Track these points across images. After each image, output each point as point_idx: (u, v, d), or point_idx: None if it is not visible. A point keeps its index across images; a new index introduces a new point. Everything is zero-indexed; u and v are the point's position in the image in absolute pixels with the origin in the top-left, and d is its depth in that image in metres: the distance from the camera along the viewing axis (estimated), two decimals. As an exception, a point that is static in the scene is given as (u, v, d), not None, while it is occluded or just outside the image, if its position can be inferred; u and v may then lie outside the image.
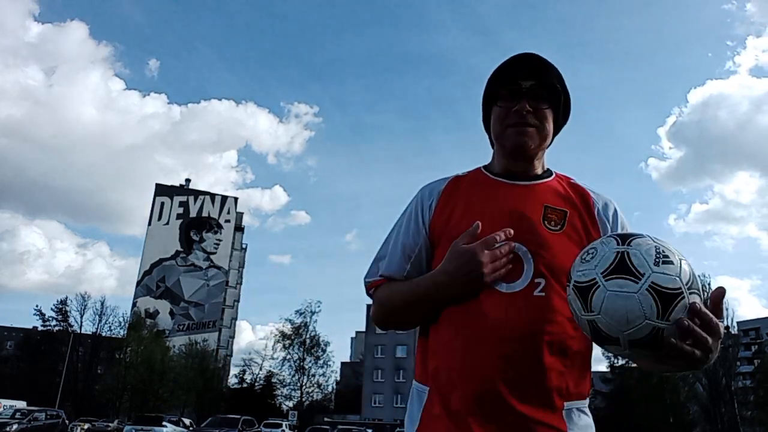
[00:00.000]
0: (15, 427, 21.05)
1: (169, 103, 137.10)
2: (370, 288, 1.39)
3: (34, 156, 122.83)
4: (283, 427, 31.22)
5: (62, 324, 53.69)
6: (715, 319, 0.98)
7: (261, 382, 56.60)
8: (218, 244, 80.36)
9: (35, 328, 60.38)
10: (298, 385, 54.90)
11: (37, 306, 66.66)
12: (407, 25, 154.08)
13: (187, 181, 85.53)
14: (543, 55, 1.33)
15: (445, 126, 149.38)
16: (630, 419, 41.77)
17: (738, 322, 50.28)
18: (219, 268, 78.99)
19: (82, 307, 53.54)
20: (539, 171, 1.35)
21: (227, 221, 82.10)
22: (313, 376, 55.58)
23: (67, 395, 47.17)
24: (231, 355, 75.82)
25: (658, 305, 0.94)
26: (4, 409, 25.40)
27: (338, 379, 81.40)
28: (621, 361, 45.68)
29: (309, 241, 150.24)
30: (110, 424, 38.90)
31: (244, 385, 56.76)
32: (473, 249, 1.18)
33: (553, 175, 1.37)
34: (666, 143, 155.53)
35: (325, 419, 54.36)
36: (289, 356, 54.70)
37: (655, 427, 39.82)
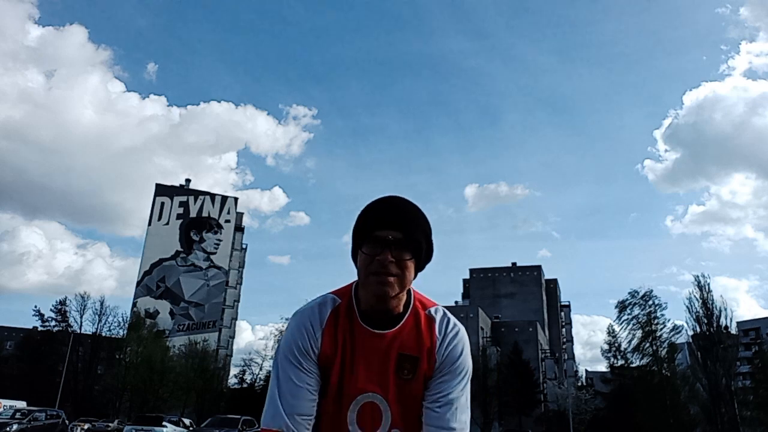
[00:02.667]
0: (15, 427, 21.02)
1: (168, 106, 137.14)
2: None
3: (34, 158, 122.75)
4: (283, 428, 31.17)
5: (62, 324, 53.62)
6: None
7: (261, 382, 56.37)
8: (218, 245, 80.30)
9: (35, 328, 60.21)
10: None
11: (36, 306, 66.63)
12: (406, 28, 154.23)
13: (187, 181, 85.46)
14: (412, 201, 1.41)
15: (443, 128, 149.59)
16: (630, 419, 41.70)
17: (738, 323, 50.24)
18: (219, 268, 78.94)
19: (82, 308, 53.48)
20: (400, 308, 1.43)
21: (227, 221, 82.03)
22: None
23: (67, 395, 47.09)
24: (231, 355, 75.70)
25: None
26: (4, 409, 25.32)
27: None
28: (621, 362, 45.70)
29: (308, 242, 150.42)
30: (110, 424, 38.89)
31: (244, 385, 56.59)
32: None
33: (410, 308, 1.45)
34: (662, 145, 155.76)
35: (325, 419, 54.28)
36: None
37: (655, 427, 39.72)
